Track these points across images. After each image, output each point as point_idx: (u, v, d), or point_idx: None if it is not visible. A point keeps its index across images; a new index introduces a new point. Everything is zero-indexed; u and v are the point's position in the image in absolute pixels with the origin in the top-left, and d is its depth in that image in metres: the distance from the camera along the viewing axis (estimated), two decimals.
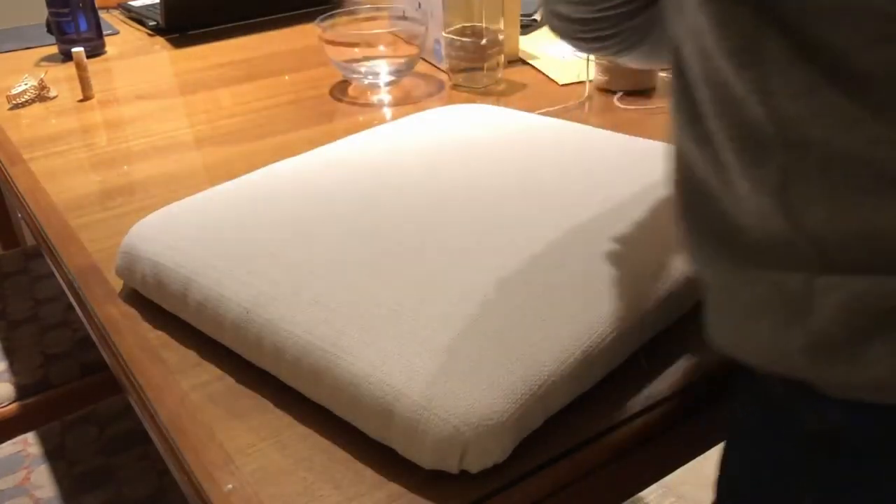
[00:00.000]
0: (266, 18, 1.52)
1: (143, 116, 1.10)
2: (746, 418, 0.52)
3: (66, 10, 1.30)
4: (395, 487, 0.50)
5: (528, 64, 1.20)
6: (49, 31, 1.36)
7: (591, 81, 1.08)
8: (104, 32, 1.38)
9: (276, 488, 0.50)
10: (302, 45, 1.36)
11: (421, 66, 1.20)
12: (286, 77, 1.21)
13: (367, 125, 0.98)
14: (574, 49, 0.70)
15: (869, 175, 0.40)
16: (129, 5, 1.59)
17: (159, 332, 0.65)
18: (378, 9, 1.22)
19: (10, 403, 1.06)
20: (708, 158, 0.47)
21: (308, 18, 1.45)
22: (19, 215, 1.41)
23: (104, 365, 1.06)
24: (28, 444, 0.99)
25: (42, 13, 1.36)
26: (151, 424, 0.58)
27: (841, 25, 0.39)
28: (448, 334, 0.53)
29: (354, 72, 1.13)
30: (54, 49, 1.37)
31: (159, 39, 1.44)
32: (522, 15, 1.28)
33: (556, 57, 1.21)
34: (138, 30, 1.50)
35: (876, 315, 0.40)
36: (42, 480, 0.93)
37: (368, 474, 0.51)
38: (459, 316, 0.55)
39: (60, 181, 0.93)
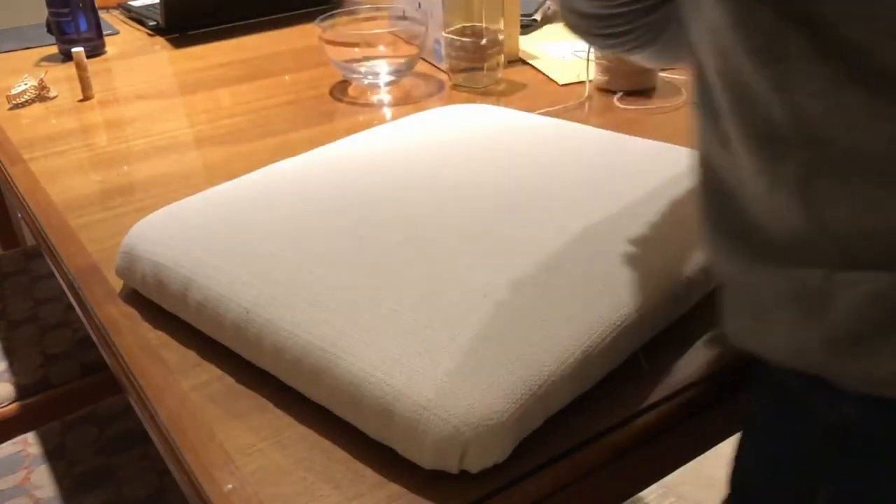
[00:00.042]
0: (266, 18, 1.52)
1: (143, 116, 1.10)
2: (761, 412, 0.52)
3: (66, 10, 1.30)
4: (395, 487, 0.50)
5: (528, 64, 1.20)
6: (49, 31, 1.36)
7: (591, 81, 1.08)
8: (104, 32, 1.38)
9: (276, 488, 0.50)
10: (302, 45, 1.36)
11: (421, 66, 1.20)
12: (286, 77, 1.21)
13: (367, 125, 0.98)
14: (589, 45, 0.70)
15: (890, 172, 0.40)
16: (129, 5, 1.59)
17: (159, 332, 0.65)
18: (378, 9, 1.22)
19: (10, 403, 1.06)
20: (727, 157, 0.47)
21: (308, 18, 1.45)
22: (19, 215, 1.41)
23: (104, 365, 1.06)
24: (28, 444, 0.99)
25: (42, 13, 1.36)
26: (151, 424, 0.58)
27: (863, 22, 0.39)
28: (448, 334, 0.53)
29: (354, 72, 1.13)
30: (54, 49, 1.37)
31: (159, 39, 1.44)
32: (522, 15, 1.28)
33: (556, 57, 1.21)
34: (138, 30, 1.50)
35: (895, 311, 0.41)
36: (42, 480, 0.93)
37: (368, 474, 0.51)
38: (459, 316, 0.55)
39: (60, 181, 0.93)
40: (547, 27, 1.37)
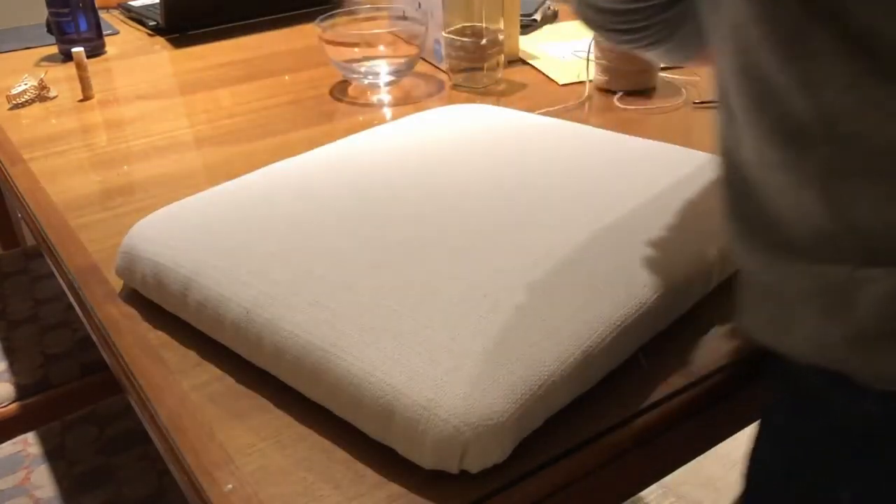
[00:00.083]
0: (266, 18, 1.52)
1: (143, 116, 1.10)
2: (779, 408, 0.52)
3: (66, 10, 1.30)
4: (395, 487, 0.50)
5: (528, 64, 1.20)
6: (49, 31, 1.36)
7: (591, 81, 1.08)
8: (104, 32, 1.38)
9: (276, 488, 0.50)
10: (302, 45, 1.36)
11: (421, 66, 1.20)
12: (286, 77, 1.21)
13: (367, 125, 0.98)
14: (603, 41, 0.70)
15: None
16: (129, 5, 1.59)
17: (159, 332, 0.65)
18: (378, 9, 1.22)
19: (10, 403, 1.06)
20: (749, 153, 0.47)
21: (308, 18, 1.45)
22: (19, 215, 1.41)
23: (104, 365, 1.06)
24: (28, 444, 0.99)
25: (42, 13, 1.36)
26: (151, 424, 0.58)
27: (889, 15, 0.38)
28: (448, 334, 0.53)
29: (354, 72, 1.13)
30: (54, 49, 1.37)
31: (159, 39, 1.44)
32: (522, 15, 1.28)
33: (556, 57, 1.21)
34: (138, 30, 1.50)
35: None
36: (42, 480, 0.93)
37: (368, 474, 0.51)
38: (459, 316, 0.55)
39: (60, 181, 0.93)
40: (547, 27, 1.37)
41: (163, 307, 0.67)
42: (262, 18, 1.51)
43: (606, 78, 1.06)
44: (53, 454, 0.97)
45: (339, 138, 0.85)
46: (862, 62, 0.39)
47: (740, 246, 0.50)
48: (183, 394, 0.58)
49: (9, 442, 1.00)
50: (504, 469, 0.50)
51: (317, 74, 1.21)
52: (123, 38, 1.46)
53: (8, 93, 1.16)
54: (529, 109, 0.96)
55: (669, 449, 0.57)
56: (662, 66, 1.08)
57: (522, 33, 1.26)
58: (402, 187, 0.72)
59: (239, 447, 0.53)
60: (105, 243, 0.79)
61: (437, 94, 1.12)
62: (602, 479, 0.53)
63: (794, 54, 0.42)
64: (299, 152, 0.82)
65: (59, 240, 0.80)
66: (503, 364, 0.51)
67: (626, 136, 0.81)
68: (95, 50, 1.35)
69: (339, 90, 1.15)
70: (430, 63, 1.22)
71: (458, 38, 1.10)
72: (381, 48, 1.14)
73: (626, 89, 1.05)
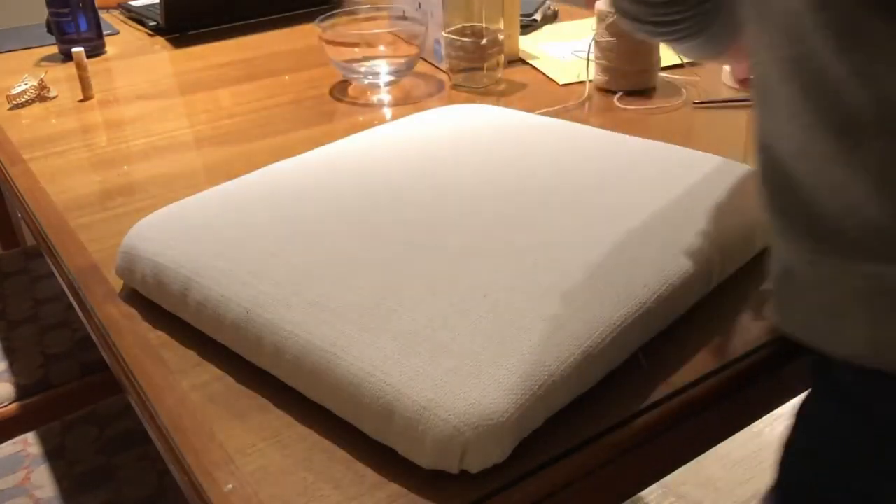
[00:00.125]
0: (266, 18, 1.52)
1: (143, 116, 1.10)
2: (818, 407, 0.52)
3: (66, 10, 1.30)
4: (395, 487, 0.50)
5: (528, 64, 1.20)
6: (49, 31, 1.36)
7: (591, 81, 1.08)
8: (104, 32, 1.38)
9: (276, 488, 0.50)
10: (302, 45, 1.36)
11: (421, 66, 1.20)
12: (286, 77, 1.21)
13: (367, 125, 0.98)
14: (639, 33, 0.69)
15: None
16: (129, 5, 1.59)
17: (159, 332, 0.65)
18: (378, 9, 1.22)
19: (10, 403, 1.06)
20: (796, 147, 0.46)
21: (308, 18, 1.45)
22: (19, 215, 1.41)
23: (104, 365, 1.06)
24: (28, 444, 0.99)
25: (42, 13, 1.36)
26: (151, 424, 0.58)
27: None
28: (448, 334, 0.53)
29: (354, 72, 1.13)
30: (54, 49, 1.37)
31: (159, 39, 1.44)
32: (522, 15, 1.28)
33: (556, 57, 1.21)
34: (138, 30, 1.50)
35: None
36: (42, 480, 0.93)
37: (368, 474, 0.51)
38: (459, 316, 0.55)
39: (60, 181, 0.93)
40: (547, 27, 1.37)
41: (163, 307, 0.67)
42: (262, 18, 1.51)
43: (606, 78, 1.06)
44: (53, 454, 0.97)
45: (339, 138, 0.85)
46: None
47: (783, 242, 0.49)
48: (183, 394, 0.58)
49: (9, 442, 1.00)
50: (504, 469, 0.50)
51: (317, 74, 1.21)
52: (123, 38, 1.46)
53: (8, 93, 1.16)
54: (529, 109, 0.96)
55: (669, 449, 0.57)
56: (688, 61, 1.08)
57: (522, 33, 1.26)
58: (402, 187, 0.72)
59: (239, 447, 0.53)
60: (105, 243, 0.79)
61: (437, 94, 1.12)
62: (602, 479, 0.53)
63: (851, 44, 0.41)
64: (299, 152, 0.82)
65: (59, 240, 0.80)
66: (503, 364, 0.51)
67: (627, 137, 0.81)
68: (95, 50, 1.35)
69: (339, 90, 1.15)
70: (430, 63, 1.22)
71: (458, 38, 1.10)
72: (381, 48, 1.14)
73: (626, 89, 1.05)
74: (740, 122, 0.96)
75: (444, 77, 1.17)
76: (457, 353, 0.52)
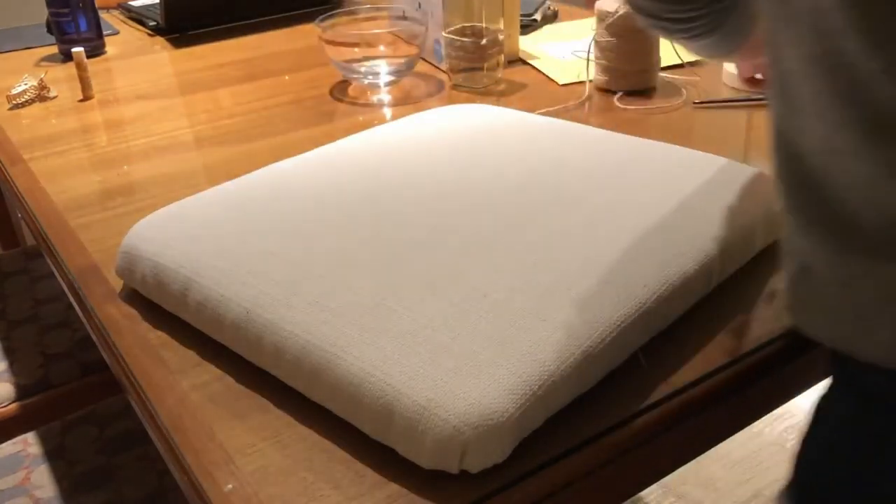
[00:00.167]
0: (266, 18, 1.52)
1: (143, 116, 1.10)
2: (839, 408, 0.51)
3: (66, 10, 1.30)
4: (395, 487, 0.50)
5: (528, 64, 1.20)
6: (49, 31, 1.36)
7: (591, 81, 1.08)
8: (104, 32, 1.38)
9: (276, 488, 0.50)
10: (302, 45, 1.36)
11: (421, 66, 1.20)
12: (286, 77, 1.21)
13: (367, 125, 0.98)
14: (654, 30, 0.69)
15: None
16: (129, 5, 1.59)
17: (159, 332, 0.65)
18: (378, 9, 1.23)
19: (10, 403, 1.06)
20: (822, 144, 0.45)
21: (308, 18, 1.45)
22: (19, 215, 1.41)
23: (104, 365, 1.06)
24: (28, 444, 0.99)
25: (42, 13, 1.36)
26: (151, 424, 0.58)
27: None
28: (448, 334, 0.53)
29: (354, 72, 1.13)
30: (54, 49, 1.37)
31: (159, 39, 1.44)
32: (522, 15, 1.28)
33: (556, 57, 1.21)
34: (138, 30, 1.50)
35: None
36: (42, 480, 0.93)
37: (368, 474, 0.51)
38: (459, 316, 0.55)
39: (60, 181, 0.93)
40: (547, 27, 1.37)
41: (163, 307, 0.67)
42: (262, 18, 1.51)
43: (606, 78, 1.06)
44: (53, 454, 0.97)
45: (339, 138, 0.85)
46: None
47: (803, 241, 0.48)
48: (183, 394, 0.58)
49: (9, 442, 1.00)
50: (504, 469, 0.50)
51: (317, 74, 1.21)
52: (123, 38, 1.46)
53: (8, 93, 1.16)
54: (529, 109, 0.96)
55: (669, 449, 0.57)
56: (689, 61, 1.08)
57: (522, 33, 1.26)
58: (402, 187, 0.72)
59: (239, 447, 0.53)
60: (105, 243, 0.79)
61: (437, 94, 1.12)
62: (602, 479, 0.53)
63: (883, 40, 0.40)
64: (299, 152, 0.82)
65: (59, 240, 0.80)
66: (503, 364, 0.51)
67: (627, 137, 0.81)
68: (95, 50, 1.35)
69: (339, 90, 1.15)
70: (430, 63, 1.22)
71: (458, 38, 1.10)
72: (381, 48, 1.14)
73: (626, 89, 1.05)
74: (740, 122, 0.96)
75: (444, 77, 1.17)
76: (457, 353, 0.52)
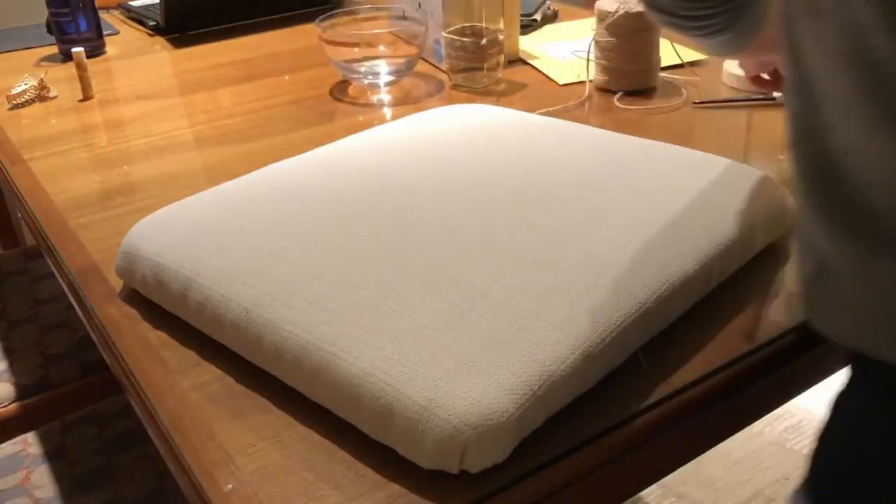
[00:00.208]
0: (266, 18, 1.52)
1: (143, 116, 1.10)
2: (849, 395, 0.51)
3: (66, 10, 1.30)
4: (395, 488, 0.50)
5: (528, 64, 1.20)
6: (49, 31, 1.36)
7: (591, 81, 1.08)
8: (104, 32, 1.38)
9: (276, 488, 0.50)
10: (302, 45, 1.36)
11: (421, 66, 1.20)
12: (286, 77, 1.21)
13: (367, 125, 0.98)
14: (669, 27, 0.69)
15: None
16: (129, 5, 1.59)
17: (159, 332, 0.65)
18: (378, 9, 1.23)
19: (10, 403, 1.06)
20: (849, 142, 0.45)
21: (308, 18, 1.45)
22: (19, 215, 1.41)
23: (104, 365, 1.06)
24: (28, 444, 0.99)
25: (42, 13, 1.36)
26: (151, 424, 0.58)
27: None
28: (448, 334, 0.53)
29: (354, 72, 1.13)
30: (54, 49, 1.37)
31: (159, 39, 1.44)
32: (522, 15, 1.28)
33: (556, 57, 1.21)
34: (138, 30, 1.50)
35: None
36: (42, 480, 0.93)
37: (368, 474, 0.51)
38: (459, 316, 0.55)
39: (60, 181, 0.93)
40: (547, 27, 1.37)
41: (163, 307, 0.67)
42: (262, 18, 1.51)
43: (606, 78, 1.06)
44: (53, 454, 0.97)
45: (339, 138, 0.85)
46: None
47: (823, 241, 0.47)
48: (183, 394, 0.58)
49: (9, 442, 1.00)
50: (504, 469, 0.50)
51: (317, 74, 1.21)
52: (123, 38, 1.46)
53: (8, 93, 1.16)
54: (529, 109, 0.96)
55: (669, 449, 0.58)
56: (689, 61, 1.08)
57: (522, 33, 1.26)
58: (402, 187, 0.72)
59: (239, 447, 0.53)
60: (105, 243, 0.79)
61: (437, 94, 1.12)
62: (602, 479, 0.53)
63: None
64: (299, 152, 0.82)
65: (59, 240, 0.80)
66: (503, 364, 0.51)
67: (627, 137, 0.81)
68: (95, 50, 1.35)
69: (339, 90, 1.15)
70: (430, 63, 1.22)
71: (458, 38, 1.10)
72: (381, 48, 1.14)
73: (626, 89, 1.05)
74: (740, 122, 0.96)
75: (444, 77, 1.17)
76: (457, 353, 0.52)
